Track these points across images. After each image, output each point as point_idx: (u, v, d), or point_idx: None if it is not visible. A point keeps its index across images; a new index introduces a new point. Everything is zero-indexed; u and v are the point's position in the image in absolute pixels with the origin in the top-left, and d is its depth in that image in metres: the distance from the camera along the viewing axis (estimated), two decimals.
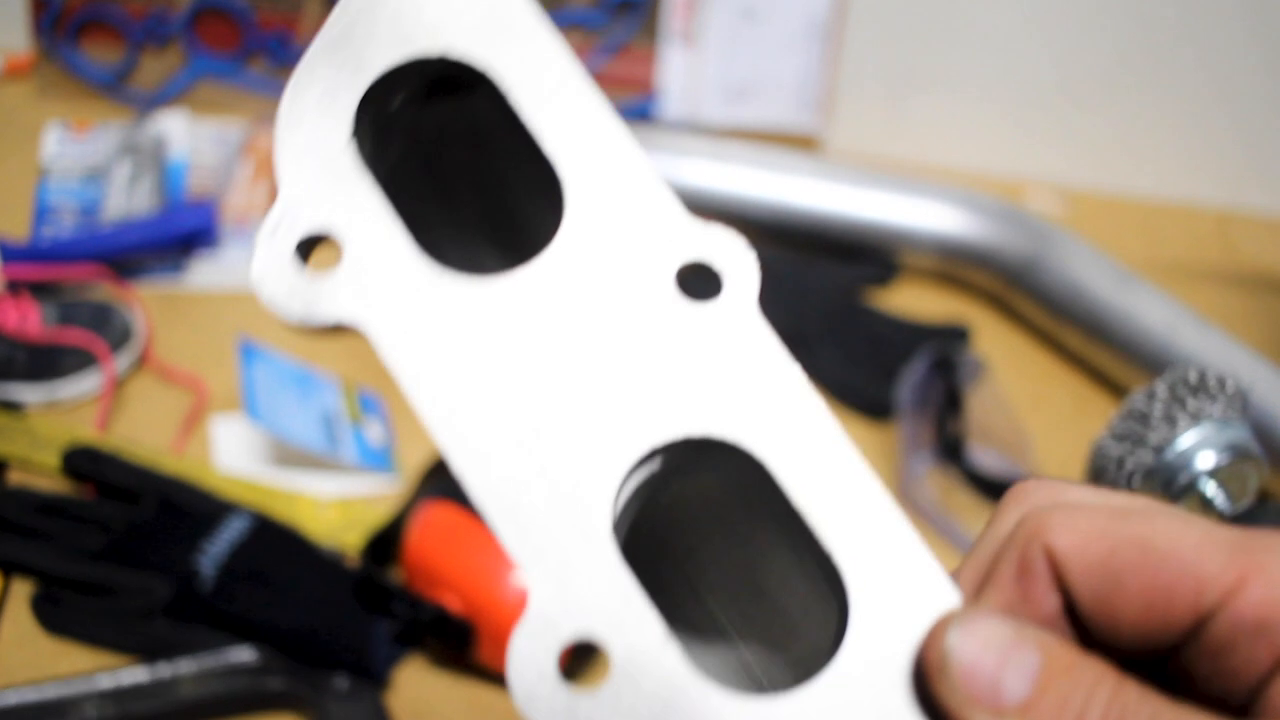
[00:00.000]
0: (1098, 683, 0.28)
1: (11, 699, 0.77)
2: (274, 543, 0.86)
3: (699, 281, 0.32)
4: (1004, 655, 0.28)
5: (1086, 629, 0.29)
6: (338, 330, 0.32)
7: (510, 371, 0.31)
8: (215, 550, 0.85)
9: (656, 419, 0.31)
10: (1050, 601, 0.29)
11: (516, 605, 0.79)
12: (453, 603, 0.80)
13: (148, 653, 0.80)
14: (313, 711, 0.78)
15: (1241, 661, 0.27)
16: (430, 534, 0.82)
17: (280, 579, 0.83)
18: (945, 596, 0.30)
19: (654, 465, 0.32)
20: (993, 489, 1.01)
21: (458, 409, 0.31)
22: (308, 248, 0.32)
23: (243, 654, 0.81)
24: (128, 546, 0.85)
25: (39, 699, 0.77)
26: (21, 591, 0.88)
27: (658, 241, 0.32)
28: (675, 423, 0.31)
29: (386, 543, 0.86)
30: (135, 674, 0.79)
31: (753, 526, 0.35)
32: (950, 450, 1.04)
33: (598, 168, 0.32)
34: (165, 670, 0.79)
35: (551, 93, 0.32)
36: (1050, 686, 0.27)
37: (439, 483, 0.84)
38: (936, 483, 1.02)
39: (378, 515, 0.90)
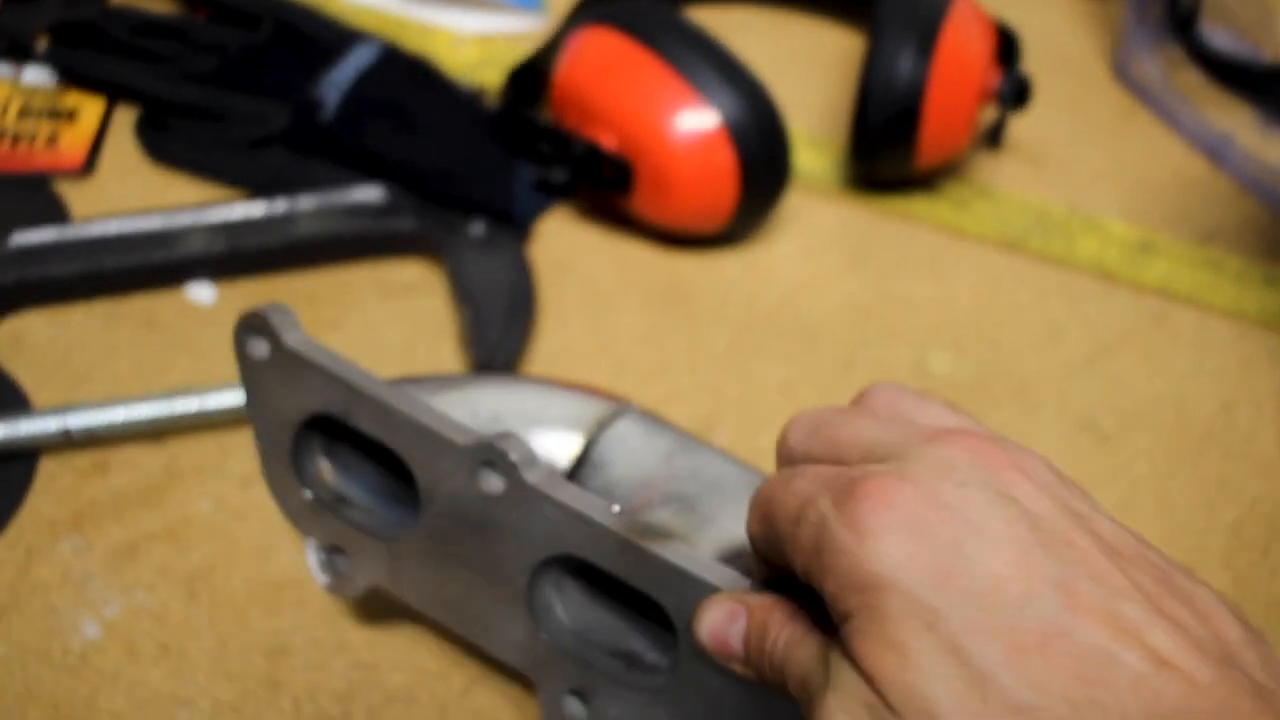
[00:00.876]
0: (776, 621, 0.38)
1: (113, 228, 0.68)
2: (405, 74, 0.75)
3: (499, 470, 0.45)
4: (726, 622, 0.40)
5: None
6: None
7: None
8: (339, 77, 0.73)
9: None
10: None
11: (681, 147, 0.67)
12: (608, 141, 0.68)
13: (262, 186, 0.70)
14: (446, 257, 0.68)
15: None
16: (585, 63, 0.69)
17: (412, 112, 0.72)
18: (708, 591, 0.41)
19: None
20: (1225, 73, 0.85)
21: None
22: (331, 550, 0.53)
23: (368, 192, 0.70)
24: (242, 71, 0.74)
25: (142, 229, 0.68)
26: (125, 118, 0.78)
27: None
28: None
29: (531, 78, 0.74)
30: (248, 207, 0.69)
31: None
32: (1181, 25, 0.88)
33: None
34: (281, 205, 0.69)
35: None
36: (752, 634, 0.39)
37: (596, 10, 0.71)
38: (1161, 61, 0.87)
39: (521, 54, 0.77)
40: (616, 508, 0.45)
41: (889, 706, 0.33)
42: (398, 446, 0.48)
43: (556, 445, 0.54)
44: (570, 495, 0.45)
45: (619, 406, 0.55)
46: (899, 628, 0.33)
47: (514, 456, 0.45)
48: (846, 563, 0.34)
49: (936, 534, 0.34)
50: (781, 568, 0.39)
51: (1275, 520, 0.65)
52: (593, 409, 0.54)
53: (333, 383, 0.48)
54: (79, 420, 0.61)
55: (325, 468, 0.53)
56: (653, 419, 0.55)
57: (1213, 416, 0.70)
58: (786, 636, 0.38)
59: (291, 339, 0.48)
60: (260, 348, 0.49)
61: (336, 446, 0.53)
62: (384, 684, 0.56)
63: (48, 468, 0.62)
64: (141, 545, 0.60)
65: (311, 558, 0.54)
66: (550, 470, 0.46)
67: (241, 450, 0.63)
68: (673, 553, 0.42)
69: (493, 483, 0.46)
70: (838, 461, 0.38)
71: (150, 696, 0.55)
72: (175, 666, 0.56)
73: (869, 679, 0.33)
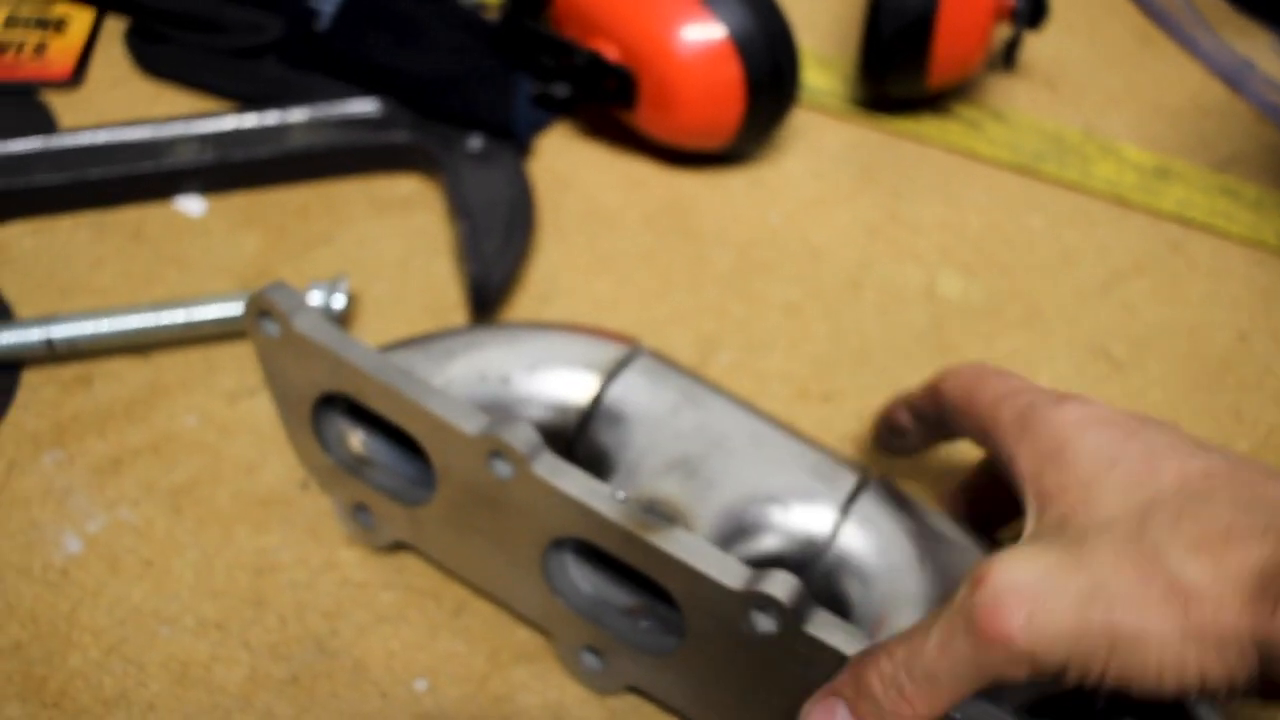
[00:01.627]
0: (887, 668, 0.41)
1: (101, 137, 0.65)
2: None
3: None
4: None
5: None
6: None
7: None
8: None
9: None
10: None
11: (686, 58, 0.64)
12: (611, 52, 0.66)
13: (254, 98, 0.68)
14: (442, 172, 0.65)
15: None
16: None
17: (410, 23, 0.69)
18: None
19: None
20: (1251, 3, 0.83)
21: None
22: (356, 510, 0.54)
23: (364, 105, 0.68)
24: None
25: (131, 139, 0.65)
26: (115, 28, 0.75)
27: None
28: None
29: None
30: (239, 118, 0.66)
31: None
32: None
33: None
34: (273, 116, 0.66)
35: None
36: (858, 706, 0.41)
37: None
38: None
39: None
40: (621, 494, 0.45)
41: (1073, 526, 0.40)
42: (409, 430, 0.48)
43: (570, 389, 0.52)
44: (576, 486, 0.45)
45: (630, 350, 0.53)
46: (1087, 468, 0.41)
47: (521, 448, 0.45)
48: (1043, 427, 0.43)
49: (1110, 430, 0.42)
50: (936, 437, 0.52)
51: None
52: (603, 353, 0.53)
53: (341, 366, 0.47)
54: (62, 331, 0.58)
55: (349, 431, 0.53)
56: (661, 364, 0.53)
57: (1228, 346, 0.67)
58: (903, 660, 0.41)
59: (300, 323, 0.47)
60: (271, 328, 0.48)
61: (359, 412, 0.53)
62: (373, 603, 0.54)
63: (30, 380, 0.60)
64: (125, 460, 0.57)
65: (338, 508, 0.54)
66: (555, 461, 0.45)
67: (228, 365, 0.61)
68: (675, 545, 0.43)
69: (501, 470, 0.46)
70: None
71: (132, 613, 0.53)
72: (158, 583, 0.54)
73: (1057, 518, 0.41)
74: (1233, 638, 0.36)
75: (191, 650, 0.52)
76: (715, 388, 0.53)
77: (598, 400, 0.52)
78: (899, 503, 0.50)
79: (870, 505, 0.49)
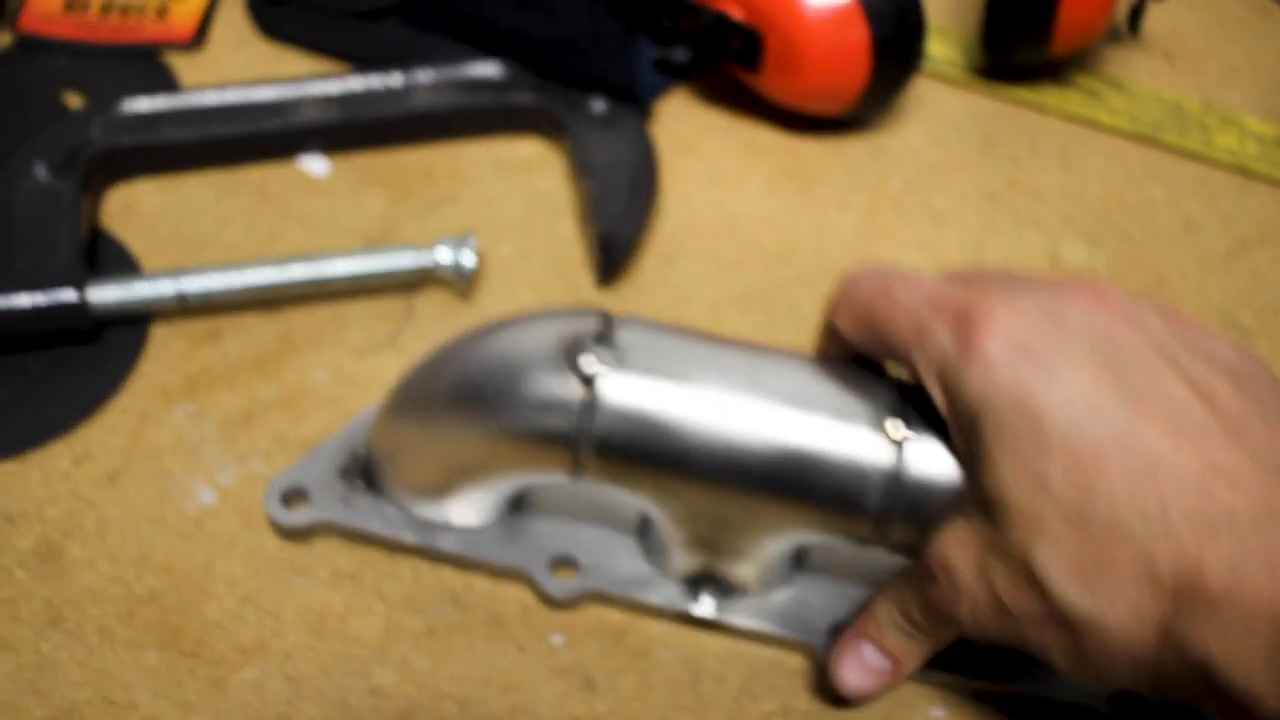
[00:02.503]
0: (891, 611, 0.46)
1: (226, 97, 0.64)
2: None
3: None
4: (862, 662, 0.47)
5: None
6: None
7: None
8: None
9: None
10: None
11: (814, 20, 0.63)
12: (736, 11, 0.64)
13: (376, 60, 0.66)
14: (566, 134, 0.64)
15: None
16: None
17: None
18: None
19: None
20: None
21: None
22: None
23: (486, 68, 0.67)
24: None
25: (255, 99, 0.64)
26: None
27: None
28: None
29: None
30: (363, 79, 0.65)
31: None
32: None
33: None
34: (397, 78, 0.65)
35: None
36: (881, 639, 0.47)
37: None
38: None
39: None
40: None
41: (989, 517, 0.39)
42: None
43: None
44: None
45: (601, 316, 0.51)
46: (989, 445, 0.39)
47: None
48: (960, 390, 0.40)
49: (1028, 366, 0.38)
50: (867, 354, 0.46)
51: None
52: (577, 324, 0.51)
53: None
54: (194, 284, 0.58)
55: None
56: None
57: None
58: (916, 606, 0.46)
59: None
60: None
61: None
62: None
63: (159, 334, 0.59)
64: (256, 413, 0.56)
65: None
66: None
67: (357, 322, 0.60)
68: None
69: None
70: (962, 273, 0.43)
71: (267, 563, 0.52)
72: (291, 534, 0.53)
73: (980, 495, 0.40)
74: (1121, 673, 0.38)
75: (327, 601, 0.51)
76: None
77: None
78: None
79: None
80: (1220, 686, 0.34)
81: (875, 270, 0.45)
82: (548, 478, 0.49)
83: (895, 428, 0.45)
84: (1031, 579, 0.37)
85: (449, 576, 0.52)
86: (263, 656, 0.50)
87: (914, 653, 0.46)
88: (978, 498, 0.40)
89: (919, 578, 0.43)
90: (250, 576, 0.52)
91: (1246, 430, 0.37)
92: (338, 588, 0.52)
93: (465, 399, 0.48)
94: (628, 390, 0.46)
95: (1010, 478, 0.38)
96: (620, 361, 0.47)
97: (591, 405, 0.46)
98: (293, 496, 0.53)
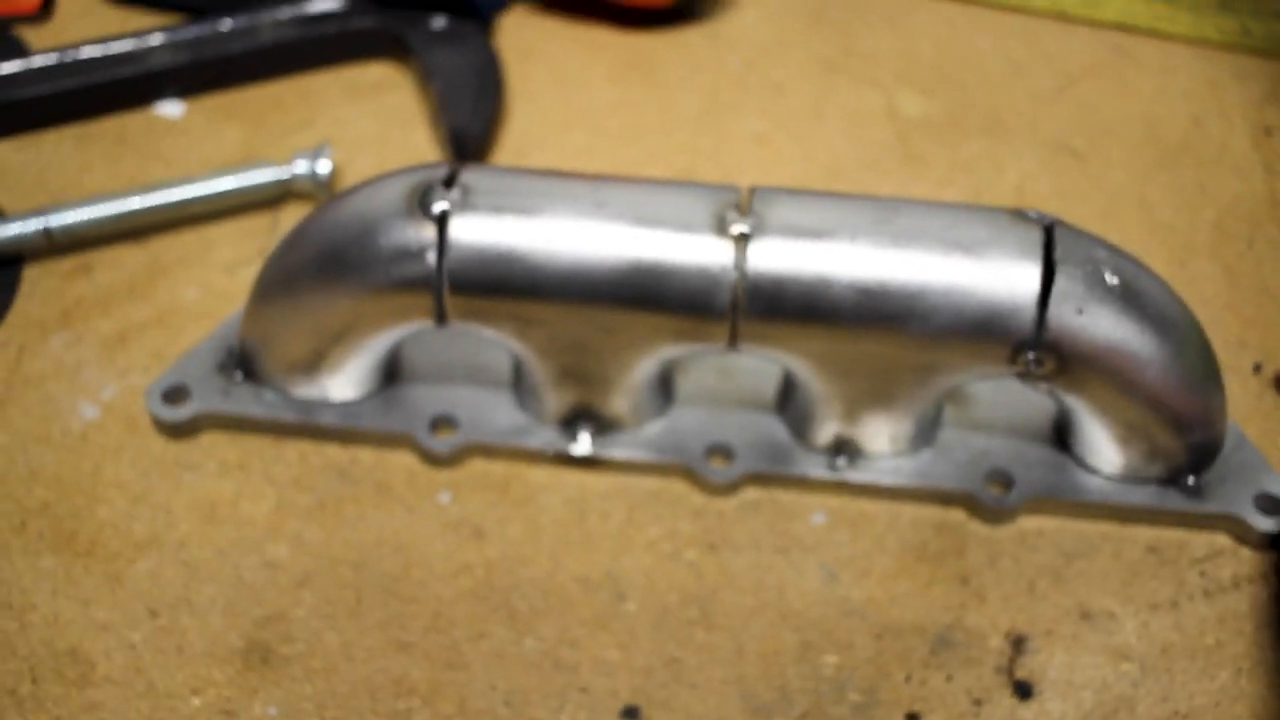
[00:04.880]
0: None
1: (81, 53, 0.65)
2: None
3: None
4: None
5: None
6: None
7: None
8: None
9: None
10: None
11: None
12: None
13: (220, 9, 0.67)
14: (412, 55, 0.65)
15: None
16: None
17: None
18: None
19: None
20: None
21: None
22: None
23: (328, 1, 0.67)
24: None
25: (106, 51, 0.64)
26: None
27: None
28: None
29: None
30: (210, 24, 0.66)
31: None
32: None
33: None
34: (243, 19, 0.66)
35: None
36: None
37: None
38: None
39: None
40: None
41: None
42: None
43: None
44: None
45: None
46: None
47: None
48: None
49: None
50: None
51: (1257, 215, 0.63)
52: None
53: None
54: (60, 219, 0.58)
55: None
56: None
57: (1184, 129, 0.67)
58: None
59: None
60: None
61: None
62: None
63: (31, 274, 0.59)
64: (132, 334, 0.57)
65: None
66: None
67: (223, 241, 0.60)
68: None
69: None
70: None
71: (155, 464, 0.52)
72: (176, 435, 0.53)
73: None
74: None
75: (217, 491, 0.52)
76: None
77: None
78: None
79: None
80: None
81: None
82: (414, 327, 0.49)
83: (736, 227, 0.46)
84: None
85: (335, 454, 0.53)
86: (157, 548, 0.50)
87: None
88: None
89: None
90: (139, 478, 0.52)
91: None
92: (226, 478, 0.52)
93: (324, 263, 0.49)
94: (477, 226, 0.47)
95: None
96: (468, 200, 0.47)
97: (444, 244, 0.47)
98: (174, 394, 0.53)
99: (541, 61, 0.69)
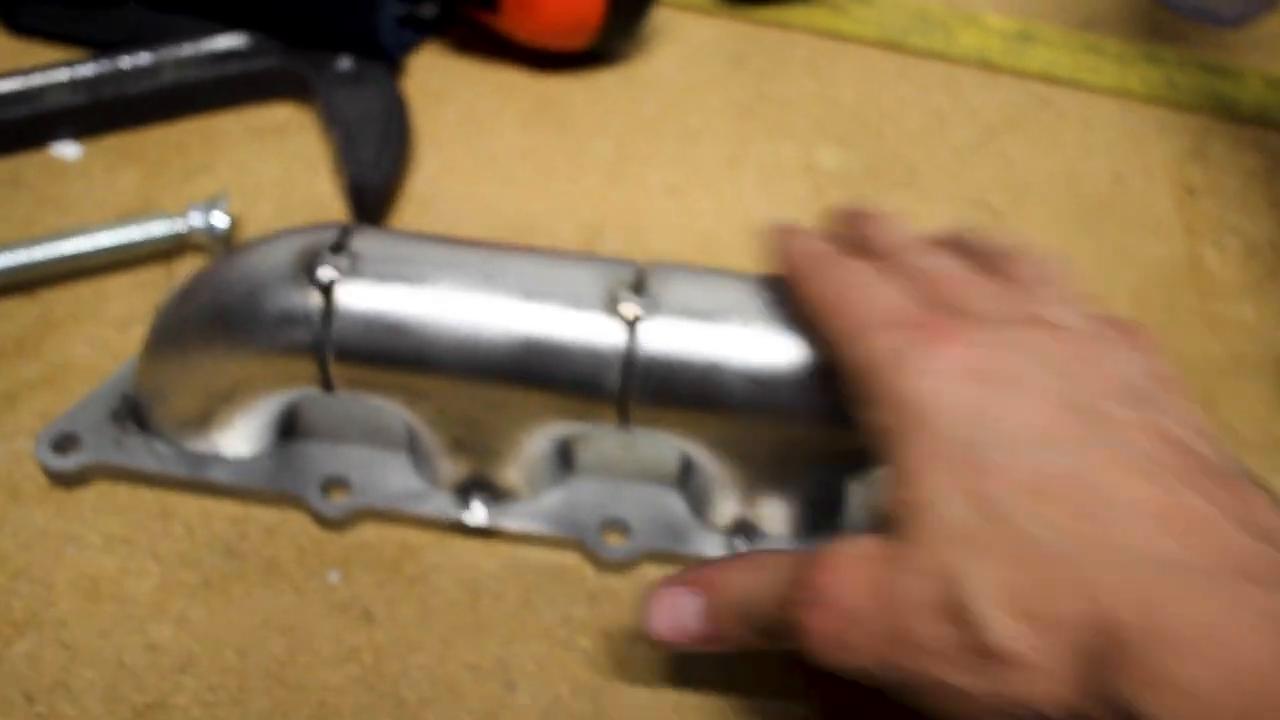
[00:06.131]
0: (743, 592, 0.40)
1: None
2: None
3: None
4: (677, 612, 0.43)
5: None
6: None
7: None
8: None
9: None
10: None
11: None
12: None
13: (122, 44, 0.65)
14: (316, 97, 0.64)
15: None
16: None
17: None
18: None
19: None
20: None
21: None
22: None
23: (231, 40, 0.66)
24: None
25: (2, 90, 0.63)
26: None
27: None
28: None
29: None
30: (109, 62, 0.64)
31: None
32: None
33: None
34: (144, 57, 0.65)
35: None
36: (719, 608, 0.41)
37: None
38: None
39: None
40: None
41: (897, 533, 0.35)
42: None
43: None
44: None
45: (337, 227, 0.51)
46: (921, 456, 0.35)
47: None
48: (900, 392, 0.36)
49: (985, 387, 0.35)
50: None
51: (1176, 280, 0.63)
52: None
53: None
54: None
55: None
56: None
57: (1105, 187, 0.67)
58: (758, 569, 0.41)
59: None
60: None
61: None
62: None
63: None
64: (20, 393, 0.56)
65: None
66: None
67: (118, 294, 0.59)
68: None
69: None
70: (929, 286, 0.40)
71: (36, 536, 0.52)
72: (60, 506, 0.52)
73: (888, 508, 0.36)
74: (1043, 715, 0.32)
75: (100, 566, 0.51)
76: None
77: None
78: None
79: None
80: None
81: (820, 247, 0.43)
82: (301, 393, 0.49)
83: (628, 308, 0.46)
84: (953, 603, 0.33)
85: (222, 529, 0.52)
86: (36, 627, 0.49)
87: (741, 638, 0.41)
88: (892, 511, 0.35)
89: (785, 591, 0.38)
90: (19, 551, 0.51)
91: (1209, 482, 0.33)
92: (110, 552, 0.51)
93: (212, 322, 0.48)
94: (363, 295, 0.46)
95: (945, 493, 0.34)
96: (356, 268, 0.47)
97: (329, 313, 0.46)
98: (64, 442, 0.53)
99: (451, 105, 0.68)
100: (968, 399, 0.35)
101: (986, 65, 0.72)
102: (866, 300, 0.39)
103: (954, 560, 0.33)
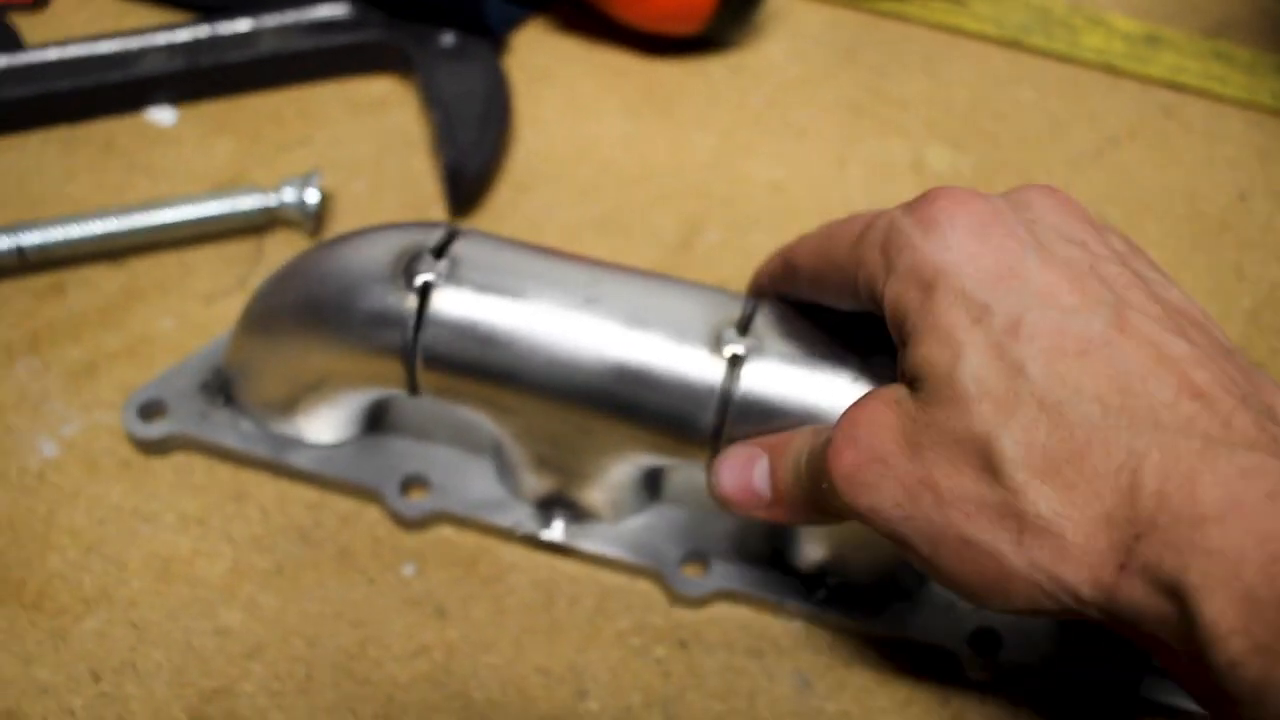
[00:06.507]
0: (798, 447, 0.40)
1: (69, 52, 0.63)
2: None
3: None
4: (745, 470, 0.41)
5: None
6: None
7: None
8: None
9: None
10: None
11: None
12: None
13: (222, 8, 0.64)
14: (416, 69, 0.62)
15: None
16: None
17: None
18: None
19: None
20: None
21: None
22: None
23: (334, 8, 0.65)
24: None
25: (99, 51, 0.62)
26: None
27: None
28: None
29: None
30: (209, 26, 0.64)
31: None
32: None
33: None
34: (244, 23, 0.64)
35: None
36: (777, 467, 0.40)
37: None
38: None
39: None
40: None
41: (927, 391, 0.35)
42: None
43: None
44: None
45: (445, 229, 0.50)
46: (948, 318, 0.34)
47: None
48: (910, 256, 0.36)
49: (1001, 243, 0.35)
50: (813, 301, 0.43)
51: None
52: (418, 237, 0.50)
53: None
54: (33, 238, 0.56)
55: None
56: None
57: (1228, 205, 0.64)
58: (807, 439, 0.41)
59: None
60: None
61: None
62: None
63: (2, 292, 0.57)
64: (101, 364, 0.55)
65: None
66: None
67: (204, 268, 0.58)
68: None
69: None
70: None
71: (111, 512, 0.51)
72: (137, 482, 0.52)
73: (915, 368, 0.35)
74: (1070, 584, 0.32)
75: (173, 546, 0.50)
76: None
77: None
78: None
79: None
80: (1190, 615, 0.29)
81: (836, 221, 0.43)
82: (387, 393, 0.48)
83: (731, 346, 0.44)
84: (986, 463, 0.33)
85: (298, 514, 0.51)
86: (106, 605, 0.49)
87: (795, 500, 0.40)
88: (919, 372, 0.35)
89: (824, 442, 0.38)
90: (94, 526, 0.51)
91: (1224, 359, 0.34)
92: (184, 532, 0.51)
93: (304, 313, 0.47)
94: (459, 302, 0.45)
95: (977, 355, 0.33)
96: (455, 273, 0.45)
97: (422, 317, 0.45)
98: (151, 409, 0.52)
99: (555, 86, 0.66)
100: (986, 259, 0.35)
101: (1109, 69, 0.69)
102: (851, 223, 0.40)
103: (991, 422, 0.33)
